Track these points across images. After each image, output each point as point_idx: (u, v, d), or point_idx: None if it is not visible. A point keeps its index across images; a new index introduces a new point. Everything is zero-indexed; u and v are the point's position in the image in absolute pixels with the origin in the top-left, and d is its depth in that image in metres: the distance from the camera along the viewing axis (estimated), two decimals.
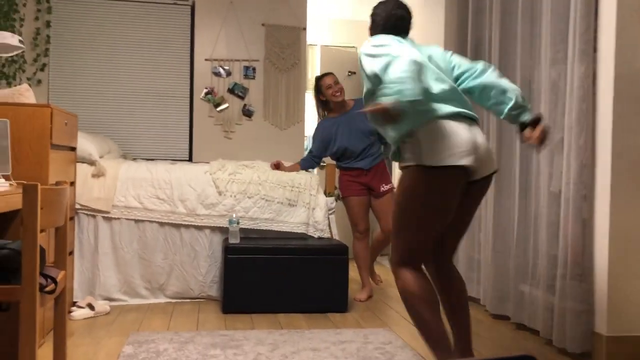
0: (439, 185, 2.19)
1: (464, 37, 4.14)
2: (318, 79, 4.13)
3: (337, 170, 4.35)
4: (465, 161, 2.16)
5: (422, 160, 2.19)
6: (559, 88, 3.05)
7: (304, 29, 5.30)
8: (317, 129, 4.18)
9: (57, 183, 2.22)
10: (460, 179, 2.20)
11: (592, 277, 2.82)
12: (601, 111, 2.81)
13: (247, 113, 5.21)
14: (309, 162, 4.20)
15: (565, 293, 2.87)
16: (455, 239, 2.43)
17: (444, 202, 2.21)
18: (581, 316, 2.79)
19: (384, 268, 5.19)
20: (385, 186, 4.06)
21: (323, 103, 4.14)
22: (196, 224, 3.83)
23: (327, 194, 4.24)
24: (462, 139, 2.20)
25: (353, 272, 4.42)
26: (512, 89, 2.38)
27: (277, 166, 4.10)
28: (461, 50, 4.16)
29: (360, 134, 4.02)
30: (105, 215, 3.73)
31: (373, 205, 4.10)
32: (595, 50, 2.83)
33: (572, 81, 2.89)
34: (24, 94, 2.96)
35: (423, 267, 2.35)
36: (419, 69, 2.11)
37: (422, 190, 2.20)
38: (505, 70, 3.59)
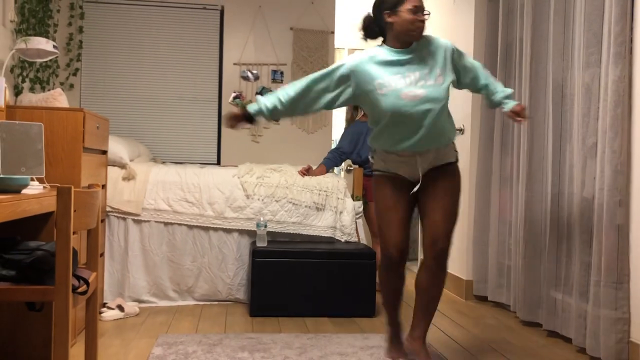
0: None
1: (494, 40, 4.08)
2: None
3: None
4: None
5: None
6: (592, 92, 2.98)
7: (332, 32, 5.30)
8: (347, 130, 4.26)
9: (90, 186, 2.25)
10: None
11: (628, 284, 2.75)
12: (637, 115, 2.74)
13: None
14: (334, 159, 4.25)
15: (599, 300, 2.80)
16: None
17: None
18: (617, 324, 2.72)
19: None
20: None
21: (354, 107, 4.23)
22: (224, 227, 3.85)
23: (355, 197, 4.21)
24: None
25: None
26: None
27: (306, 171, 4.04)
28: (491, 54, 4.11)
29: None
30: (135, 217, 3.78)
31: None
32: (630, 52, 2.77)
33: (606, 85, 2.83)
34: (57, 98, 3.02)
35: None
36: None
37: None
38: (536, 73, 3.53)
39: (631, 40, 2.77)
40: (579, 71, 3.07)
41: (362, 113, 4.44)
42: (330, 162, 4.26)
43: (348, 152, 4.30)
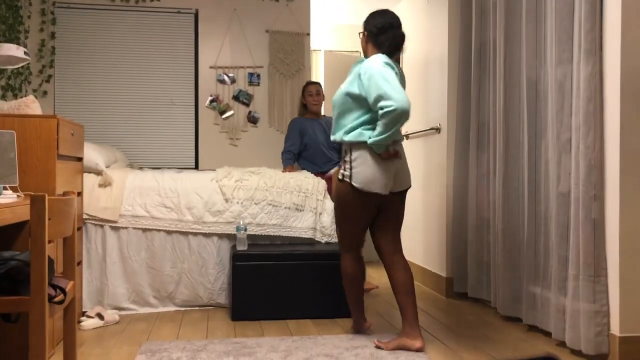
0: (360, 201, 2.97)
1: (468, 39, 4.13)
2: (306, 84, 4.63)
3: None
4: (383, 191, 2.92)
5: (352, 181, 2.94)
6: (565, 88, 3.03)
7: (308, 34, 5.31)
8: (291, 124, 4.62)
9: (65, 193, 2.22)
10: (377, 198, 2.95)
11: (604, 277, 2.79)
12: (609, 111, 2.79)
13: (253, 120, 5.21)
14: (291, 160, 4.56)
15: (577, 294, 2.84)
16: (384, 238, 3.07)
17: (362, 212, 3.00)
18: (596, 317, 2.76)
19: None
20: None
21: (304, 105, 4.66)
22: (204, 232, 3.83)
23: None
24: (387, 173, 2.92)
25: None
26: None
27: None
28: (466, 53, 4.15)
29: (325, 144, 4.58)
30: (113, 224, 3.74)
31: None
32: (600, 49, 2.82)
33: (578, 81, 2.87)
34: (30, 105, 2.97)
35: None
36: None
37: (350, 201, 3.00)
38: (510, 71, 3.58)
39: (601, 37, 2.82)
40: (551, 68, 3.11)
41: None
42: (289, 162, 4.55)
43: (294, 151, 4.59)
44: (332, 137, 3.10)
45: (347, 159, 2.97)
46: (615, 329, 2.71)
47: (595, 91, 2.81)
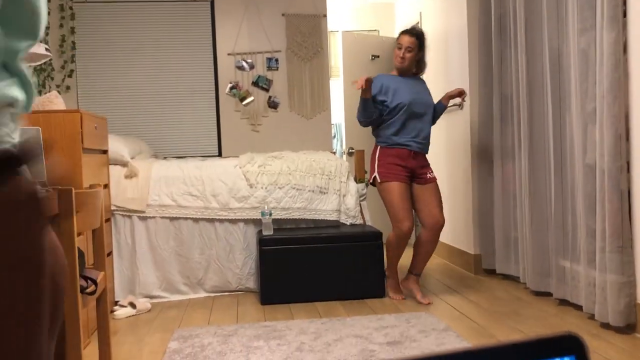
0: None
1: (487, 11, 4.05)
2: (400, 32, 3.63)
3: (375, 151, 3.64)
4: None
5: None
6: (589, 57, 2.96)
7: (325, 15, 5.26)
8: (375, 78, 3.57)
9: (91, 186, 2.26)
10: None
11: (632, 248, 2.75)
12: (634, 78, 2.72)
13: (273, 105, 5.21)
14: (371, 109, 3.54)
15: (605, 266, 2.81)
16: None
17: None
18: (623, 289, 2.73)
19: None
20: (431, 173, 3.62)
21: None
22: (230, 218, 3.87)
23: (357, 180, 4.20)
24: None
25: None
26: None
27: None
28: (486, 25, 4.07)
29: (424, 104, 3.59)
30: (141, 215, 3.80)
31: (415, 193, 3.58)
32: (624, 15, 2.74)
33: (602, 49, 2.80)
34: (54, 101, 3.02)
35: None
36: None
37: None
38: (532, 42, 3.50)
39: (624, 3, 2.74)
40: (574, 37, 3.04)
41: None
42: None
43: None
44: None
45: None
46: None
47: (619, 58, 2.73)
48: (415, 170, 3.55)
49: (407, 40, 3.54)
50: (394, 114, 3.53)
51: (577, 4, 2.98)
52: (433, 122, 3.70)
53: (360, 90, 3.41)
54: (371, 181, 3.64)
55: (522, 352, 0.36)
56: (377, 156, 3.59)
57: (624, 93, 2.75)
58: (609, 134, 2.76)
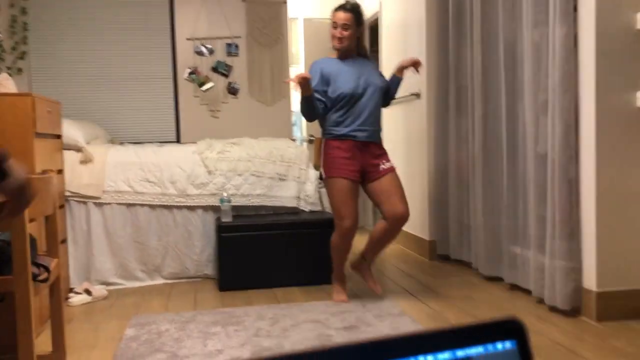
0: None
1: (445, 3, 4.11)
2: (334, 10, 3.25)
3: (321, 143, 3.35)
4: None
5: None
6: (541, 50, 3.04)
7: (285, 2, 5.24)
8: (312, 66, 3.28)
9: (44, 172, 2.22)
10: None
11: (579, 235, 2.86)
12: (584, 71, 2.81)
13: (233, 91, 5.18)
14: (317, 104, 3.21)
15: (554, 252, 2.92)
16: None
17: None
18: (570, 273, 2.84)
19: None
20: (385, 163, 3.24)
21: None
22: (188, 205, 3.84)
23: (317, 167, 4.23)
24: None
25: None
26: None
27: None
28: (443, 17, 4.13)
29: (370, 87, 3.18)
30: (96, 201, 3.74)
31: (371, 188, 3.21)
32: (575, 9, 2.83)
33: (554, 42, 2.89)
34: (4, 83, 2.93)
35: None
36: None
37: None
38: (488, 34, 3.58)
39: None
40: (527, 30, 3.12)
41: None
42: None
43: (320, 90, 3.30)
44: None
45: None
46: (591, 284, 2.80)
47: (570, 52, 2.83)
48: (366, 162, 3.17)
49: (342, 16, 3.14)
50: (335, 103, 3.15)
51: None
52: (389, 100, 3.36)
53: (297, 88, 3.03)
54: (319, 174, 3.33)
55: (465, 337, 0.37)
56: (322, 150, 3.25)
57: (574, 85, 2.84)
58: (559, 124, 2.86)
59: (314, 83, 3.10)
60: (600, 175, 2.76)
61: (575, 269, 2.85)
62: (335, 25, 3.17)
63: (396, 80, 3.32)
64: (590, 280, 2.81)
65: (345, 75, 3.15)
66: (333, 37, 3.19)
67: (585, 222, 2.84)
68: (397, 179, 3.23)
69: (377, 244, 3.24)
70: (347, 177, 3.12)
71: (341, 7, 3.19)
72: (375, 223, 3.41)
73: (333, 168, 3.14)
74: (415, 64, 3.25)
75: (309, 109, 3.11)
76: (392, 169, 3.24)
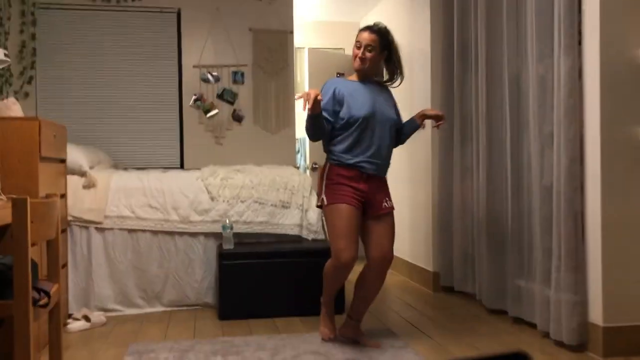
0: None
1: (450, 36, 4.15)
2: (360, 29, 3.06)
3: (323, 168, 3.09)
4: None
5: None
6: (546, 83, 3.06)
7: (291, 32, 5.30)
8: (325, 84, 3.07)
9: (47, 196, 2.21)
10: None
11: (585, 268, 2.83)
12: (588, 104, 2.82)
13: (237, 118, 5.20)
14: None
15: (560, 285, 2.88)
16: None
17: None
18: (576, 307, 2.80)
19: None
20: (388, 202, 3.00)
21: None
22: (190, 231, 3.82)
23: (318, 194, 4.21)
24: None
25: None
26: None
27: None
28: (448, 50, 4.17)
29: (385, 118, 2.99)
30: (98, 226, 3.72)
31: (367, 226, 2.97)
32: (579, 44, 2.85)
33: (559, 76, 2.90)
34: (11, 107, 2.95)
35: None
36: None
37: None
38: (492, 67, 3.60)
39: (580, 33, 2.85)
40: (532, 64, 3.14)
41: None
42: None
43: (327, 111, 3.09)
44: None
45: None
46: (598, 319, 2.75)
47: (575, 85, 2.84)
48: (369, 196, 2.93)
49: (367, 37, 2.94)
50: (347, 127, 2.92)
51: (535, 32, 3.09)
52: (399, 142, 3.17)
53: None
54: (319, 204, 3.04)
55: None
56: (325, 174, 3.00)
57: (579, 118, 2.85)
58: (564, 157, 2.85)
59: (324, 101, 2.88)
60: (606, 208, 2.74)
61: (581, 303, 2.81)
62: (359, 45, 2.96)
63: (414, 126, 3.13)
64: (596, 315, 2.76)
65: (361, 99, 2.94)
66: (355, 57, 2.98)
67: (591, 255, 2.81)
68: (393, 222, 3.02)
69: (366, 296, 2.97)
70: (352, 203, 2.86)
71: (368, 28, 3.00)
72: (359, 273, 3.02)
73: (336, 194, 2.89)
74: (439, 118, 3.07)
75: (315, 128, 2.88)
76: (391, 209, 3.01)
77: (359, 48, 2.96)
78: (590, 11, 2.78)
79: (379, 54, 2.99)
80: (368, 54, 2.95)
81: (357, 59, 2.97)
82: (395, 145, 3.15)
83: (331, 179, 2.95)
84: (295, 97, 3.36)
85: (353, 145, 2.92)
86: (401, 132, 3.13)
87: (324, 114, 2.89)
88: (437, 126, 3.12)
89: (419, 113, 3.13)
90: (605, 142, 2.74)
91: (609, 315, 2.73)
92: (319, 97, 2.74)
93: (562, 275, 2.86)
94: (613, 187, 2.75)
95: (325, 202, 2.93)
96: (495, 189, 3.58)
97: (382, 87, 3.11)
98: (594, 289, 2.79)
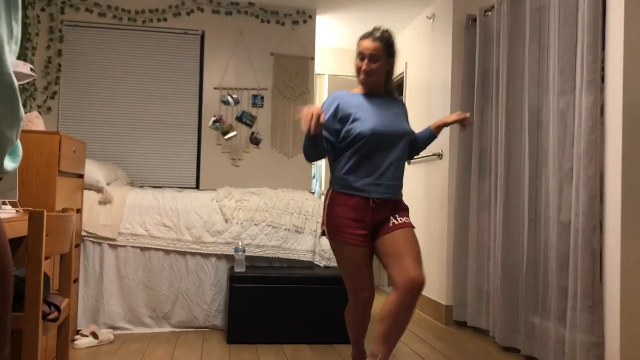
0: None
1: (471, 67, 4.15)
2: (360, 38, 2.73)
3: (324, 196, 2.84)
4: None
5: None
6: (567, 118, 3.04)
7: (313, 58, 5.34)
8: (328, 98, 2.72)
9: (64, 210, 2.22)
10: None
11: (602, 308, 2.76)
12: (610, 141, 2.79)
13: (255, 141, 5.22)
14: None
15: (575, 324, 2.81)
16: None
17: None
18: (592, 348, 2.73)
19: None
20: (400, 218, 2.58)
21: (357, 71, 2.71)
22: (202, 252, 3.81)
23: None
24: None
25: None
26: None
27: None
28: (468, 80, 4.17)
29: (396, 133, 2.59)
30: (111, 242, 3.72)
31: (380, 245, 2.56)
32: (602, 80, 2.83)
33: (580, 111, 2.88)
34: (34, 121, 2.98)
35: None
36: None
37: None
38: (513, 99, 3.59)
39: (602, 69, 2.83)
40: (554, 98, 3.13)
41: None
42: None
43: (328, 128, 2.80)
44: None
45: None
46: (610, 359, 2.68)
47: (596, 121, 2.81)
48: (375, 223, 2.56)
49: (369, 45, 2.60)
50: (351, 145, 2.57)
51: (558, 67, 3.08)
52: (413, 154, 2.84)
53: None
54: (321, 233, 2.71)
55: None
56: (327, 203, 2.63)
57: (600, 155, 2.81)
58: (584, 193, 2.81)
59: (325, 117, 2.54)
60: (626, 247, 2.69)
61: (597, 344, 2.74)
62: (362, 56, 2.62)
63: (430, 136, 2.79)
64: (613, 357, 2.69)
65: (367, 114, 2.56)
66: (358, 70, 2.65)
67: (609, 295, 2.75)
68: (413, 235, 2.53)
69: (393, 327, 2.44)
70: (358, 243, 2.51)
71: (369, 35, 2.64)
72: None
73: (339, 230, 2.53)
74: (464, 119, 2.72)
75: (314, 148, 2.49)
76: (409, 224, 2.57)
77: (362, 59, 2.63)
78: (614, 47, 2.77)
79: (385, 63, 2.65)
80: (373, 65, 2.61)
81: (362, 73, 2.63)
82: (408, 160, 2.84)
83: (332, 209, 2.57)
84: (296, 117, 3.06)
85: (358, 165, 2.55)
86: (415, 144, 2.81)
87: (324, 132, 2.56)
88: (464, 127, 2.78)
89: (436, 122, 2.80)
90: (627, 180, 2.70)
91: (626, 357, 2.65)
92: (322, 119, 2.37)
93: (578, 314, 2.79)
94: (633, 226, 2.70)
95: (327, 235, 2.61)
96: (512, 223, 3.53)
97: (392, 100, 2.73)
98: (611, 330, 2.72)
